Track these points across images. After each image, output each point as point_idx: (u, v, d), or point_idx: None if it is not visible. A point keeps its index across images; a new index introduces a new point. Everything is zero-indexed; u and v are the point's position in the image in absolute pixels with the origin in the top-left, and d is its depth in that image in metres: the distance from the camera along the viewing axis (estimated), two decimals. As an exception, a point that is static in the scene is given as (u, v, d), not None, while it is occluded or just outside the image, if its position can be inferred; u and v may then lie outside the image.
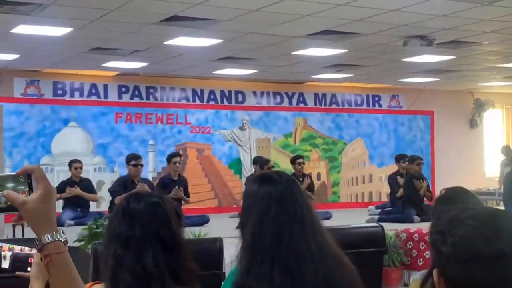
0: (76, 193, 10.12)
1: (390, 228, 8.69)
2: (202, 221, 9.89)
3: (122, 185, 9.05)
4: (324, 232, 2.51)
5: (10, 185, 1.54)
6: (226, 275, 3.58)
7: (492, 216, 1.64)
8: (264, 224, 2.45)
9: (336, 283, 2.44)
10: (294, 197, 2.50)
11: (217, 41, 9.50)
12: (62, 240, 1.53)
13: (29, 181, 1.54)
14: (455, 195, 2.85)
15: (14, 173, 1.55)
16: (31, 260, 2.43)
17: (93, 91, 12.73)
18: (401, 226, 8.93)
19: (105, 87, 12.81)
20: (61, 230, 1.54)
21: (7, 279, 2.41)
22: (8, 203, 1.52)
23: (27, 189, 1.53)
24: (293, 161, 11.28)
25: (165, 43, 9.61)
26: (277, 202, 2.47)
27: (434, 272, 1.67)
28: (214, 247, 3.32)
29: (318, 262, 2.43)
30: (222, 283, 2.55)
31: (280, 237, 2.44)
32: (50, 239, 1.51)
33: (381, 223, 4.24)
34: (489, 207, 1.69)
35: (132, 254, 2.22)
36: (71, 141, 12.43)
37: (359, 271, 2.65)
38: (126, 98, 12.94)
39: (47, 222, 1.52)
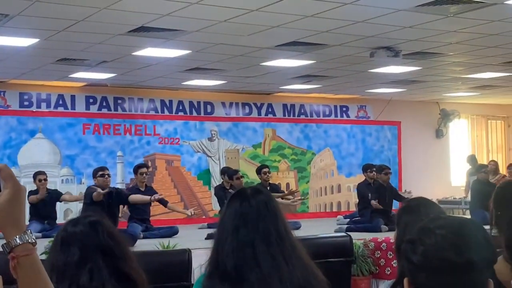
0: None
1: (358, 238, 8.72)
2: (171, 232, 9.82)
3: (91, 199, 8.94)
4: (293, 243, 2.55)
5: None
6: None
7: (461, 225, 1.66)
8: (228, 237, 2.51)
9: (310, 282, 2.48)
10: (260, 213, 2.57)
11: (186, 52, 9.48)
12: (31, 242, 1.49)
13: None
14: (419, 204, 2.89)
15: None
16: None
17: (60, 102, 12.61)
18: (369, 236, 8.96)
19: (73, 98, 12.71)
20: (29, 230, 1.50)
21: None
22: None
23: None
24: (258, 171, 11.35)
25: (133, 53, 9.56)
26: (242, 219, 2.55)
27: (405, 281, 1.68)
28: (182, 259, 3.31)
29: (285, 272, 2.46)
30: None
31: (242, 248, 2.49)
32: (19, 241, 1.47)
33: (349, 233, 4.25)
34: (458, 217, 1.71)
35: (67, 281, 2.26)
36: (38, 152, 12.28)
37: (328, 280, 2.67)
38: (93, 109, 12.85)
39: (16, 223, 1.49)
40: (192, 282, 3.37)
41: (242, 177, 9.87)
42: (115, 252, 2.34)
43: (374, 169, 11.32)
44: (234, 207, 2.60)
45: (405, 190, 12.52)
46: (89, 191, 9.04)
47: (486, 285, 1.63)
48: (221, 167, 12.96)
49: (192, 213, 10.42)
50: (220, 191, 11.33)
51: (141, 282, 2.36)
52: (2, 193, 1.48)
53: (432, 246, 1.62)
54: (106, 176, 9.12)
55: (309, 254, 2.72)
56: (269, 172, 11.35)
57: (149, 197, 9.36)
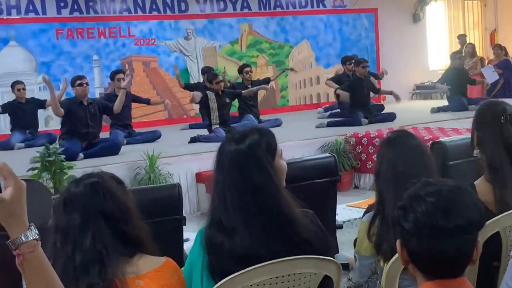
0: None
1: (340, 134, 8.90)
2: (154, 136, 9.90)
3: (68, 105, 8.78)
4: (279, 190, 2.57)
5: None
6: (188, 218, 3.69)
7: (451, 192, 1.73)
8: (230, 183, 2.54)
9: (302, 236, 2.55)
10: (250, 160, 2.55)
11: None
12: (35, 238, 1.52)
13: None
14: (396, 137, 2.94)
15: None
16: None
17: (31, 7, 12.26)
18: (350, 130, 9.13)
19: (43, 2, 12.34)
20: (32, 226, 1.53)
21: None
22: None
23: None
24: (240, 70, 11.28)
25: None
26: (234, 164, 2.55)
27: (398, 243, 1.76)
28: (173, 194, 3.37)
29: (279, 217, 2.52)
30: (194, 239, 2.64)
31: (235, 199, 2.52)
32: (23, 239, 1.50)
33: (333, 154, 4.35)
34: (448, 182, 1.73)
35: (71, 243, 2.26)
36: (13, 60, 12.06)
37: (315, 200, 2.76)
38: (65, 13, 12.51)
39: (20, 221, 1.50)
40: (184, 215, 3.47)
41: (221, 81, 9.80)
42: (117, 214, 2.32)
43: (353, 61, 11.35)
44: (229, 150, 2.58)
45: (382, 70, 12.46)
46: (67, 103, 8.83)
47: (476, 246, 1.72)
48: (200, 66, 12.93)
49: (167, 104, 11.12)
50: (201, 91, 11.38)
51: (145, 239, 2.37)
52: (6, 191, 1.48)
53: (423, 213, 1.69)
54: (84, 84, 8.76)
55: (296, 177, 2.80)
56: (251, 71, 11.27)
57: (124, 91, 9.26)
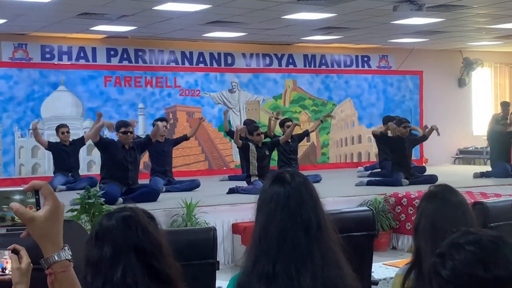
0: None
1: (379, 193, 8.80)
2: (193, 185, 9.92)
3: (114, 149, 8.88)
4: (329, 236, 2.50)
5: (17, 198, 1.51)
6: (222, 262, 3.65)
7: (491, 241, 1.68)
8: (270, 226, 2.46)
9: (336, 286, 2.48)
10: (302, 199, 2.48)
11: (206, 6, 9.41)
12: (67, 258, 1.53)
13: (37, 196, 1.51)
14: (438, 191, 2.89)
15: (21, 188, 1.53)
16: (6, 262, 2.38)
17: (82, 54, 12.61)
18: (390, 190, 9.03)
19: (94, 50, 12.70)
20: (66, 246, 1.54)
21: None
22: (15, 219, 1.50)
23: (35, 204, 1.51)
24: (282, 124, 11.30)
25: (153, 8, 9.51)
26: (283, 205, 2.46)
27: None
28: (208, 237, 3.35)
29: (318, 266, 2.46)
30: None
31: (283, 241, 2.45)
32: (57, 258, 1.52)
33: (371, 208, 4.30)
34: (488, 232, 1.69)
35: (101, 277, 2.24)
36: (61, 105, 12.34)
37: (351, 254, 2.69)
38: (115, 61, 12.84)
39: (54, 240, 1.52)
40: (218, 260, 3.43)
41: (262, 133, 9.86)
42: (149, 249, 2.30)
43: (395, 121, 11.28)
44: (275, 191, 2.49)
45: (425, 126, 12.26)
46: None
47: None
48: (242, 119, 13.00)
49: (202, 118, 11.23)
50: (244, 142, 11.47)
51: (176, 278, 2.34)
52: (43, 209, 1.50)
53: (461, 261, 1.64)
54: (129, 133, 8.77)
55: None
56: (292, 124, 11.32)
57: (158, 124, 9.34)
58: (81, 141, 10.78)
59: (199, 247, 3.34)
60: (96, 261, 2.27)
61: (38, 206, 1.51)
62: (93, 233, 2.36)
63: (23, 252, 2.28)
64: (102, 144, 8.75)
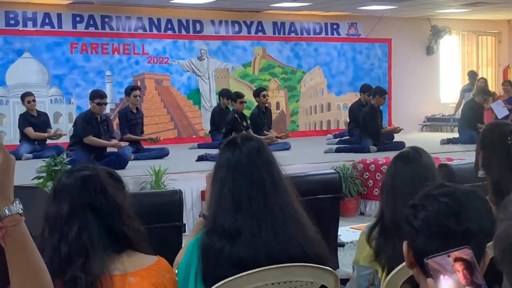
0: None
1: (347, 159, 8.88)
2: (162, 153, 9.91)
3: (88, 123, 8.96)
4: (288, 193, 2.59)
5: None
6: (187, 224, 3.67)
7: (465, 194, 1.69)
8: (224, 187, 2.56)
9: (298, 241, 2.53)
10: (253, 160, 2.58)
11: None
12: (19, 212, 1.49)
13: None
14: (407, 153, 2.94)
15: None
16: None
17: (47, 20, 12.39)
18: (358, 157, 9.11)
19: (59, 16, 12.49)
20: (17, 201, 1.51)
21: None
22: None
23: None
24: (257, 94, 11.23)
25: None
26: (234, 167, 2.57)
27: (404, 244, 1.71)
28: (174, 200, 3.35)
29: (280, 221, 2.52)
30: (187, 245, 2.60)
31: (239, 199, 2.53)
32: (7, 212, 1.48)
33: (337, 171, 4.34)
34: (462, 186, 1.70)
35: (57, 233, 2.25)
36: (26, 72, 12.17)
37: (317, 216, 2.73)
38: (81, 27, 12.64)
39: (5, 194, 1.48)
40: (184, 222, 3.45)
41: (245, 102, 9.96)
42: (106, 209, 2.31)
43: (372, 91, 11.21)
44: (226, 157, 2.61)
45: (398, 127, 12.16)
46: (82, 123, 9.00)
47: (483, 255, 1.64)
48: (212, 87, 12.98)
49: (158, 138, 10.76)
50: (217, 113, 11.46)
51: (137, 240, 2.36)
52: None
53: (434, 212, 1.65)
54: (104, 105, 9.06)
55: (299, 191, 2.78)
56: (267, 95, 11.27)
57: (108, 142, 9.16)
58: (48, 125, 10.77)
59: (165, 210, 3.35)
60: (54, 217, 2.28)
61: None
62: (52, 189, 2.37)
63: None
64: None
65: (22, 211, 1.51)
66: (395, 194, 2.79)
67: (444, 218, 1.64)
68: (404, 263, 2.31)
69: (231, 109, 10.86)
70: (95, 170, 2.39)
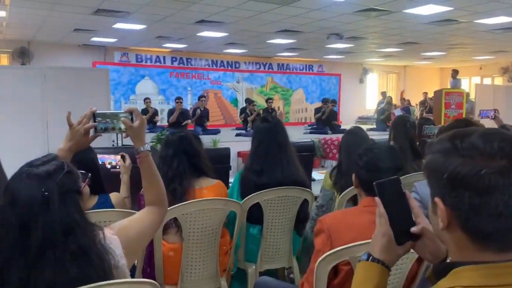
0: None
1: (317, 138, 8.79)
2: (216, 132, 9.85)
3: (171, 113, 9.04)
4: (291, 150, 2.54)
5: (122, 116, 1.43)
6: (233, 168, 3.65)
7: (388, 147, 1.69)
8: (261, 145, 2.50)
9: (295, 179, 2.52)
10: (277, 130, 2.52)
11: (225, 34, 9.23)
12: (148, 150, 1.47)
13: (131, 116, 1.44)
14: (353, 129, 2.87)
15: (123, 111, 1.45)
16: (118, 161, 2.38)
17: (158, 59, 12.37)
18: (321, 136, 9.02)
19: (164, 57, 12.45)
20: (147, 144, 1.47)
21: (110, 173, 2.37)
22: (121, 128, 1.42)
23: (131, 119, 1.43)
24: (266, 101, 11.15)
25: (197, 34, 9.32)
26: (268, 133, 2.51)
27: (353, 176, 1.67)
28: (225, 152, 3.35)
29: (286, 167, 2.49)
30: (234, 176, 2.57)
31: (267, 153, 2.49)
32: (142, 149, 1.45)
33: (311, 137, 4.30)
34: (386, 142, 1.67)
35: (166, 165, 2.23)
36: (146, 87, 12.17)
37: (302, 163, 2.70)
38: (175, 64, 12.60)
39: (141, 139, 1.45)
40: (230, 164, 3.43)
41: (255, 105, 9.86)
42: (192, 153, 2.28)
43: (329, 101, 11.07)
44: (262, 126, 2.51)
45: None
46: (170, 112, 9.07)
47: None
48: (244, 98, 12.92)
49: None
50: (243, 111, 11.37)
51: (208, 171, 2.31)
52: (135, 122, 1.44)
53: (371, 157, 1.64)
54: (180, 102, 9.18)
55: (295, 150, 2.73)
56: (272, 102, 11.15)
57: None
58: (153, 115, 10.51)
59: (222, 157, 3.35)
60: (164, 156, 2.27)
61: (132, 120, 1.43)
62: (163, 143, 2.35)
63: (127, 157, 2.28)
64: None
65: (149, 150, 1.48)
66: (347, 151, 2.76)
67: (377, 160, 1.64)
68: (348, 189, 2.30)
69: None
70: (186, 132, 2.37)
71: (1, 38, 9.92)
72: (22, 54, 10.34)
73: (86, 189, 1.66)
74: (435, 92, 9.39)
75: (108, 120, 1.42)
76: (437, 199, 0.83)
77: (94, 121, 1.43)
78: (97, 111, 1.44)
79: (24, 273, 1.01)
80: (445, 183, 0.80)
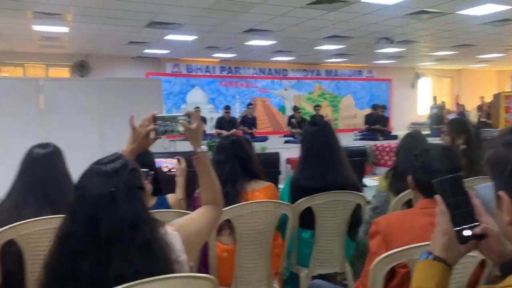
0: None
1: (368, 144, 8.59)
2: (264, 139, 9.88)
3: (219, 122, 9.22)
4: (342, 153, 2.50)
5: (181, 118, 1.47)
6: (282, 173, 3.65)
7: (444, 149, 1.65)
8: (311, 148, 2.47)
9: (347, 183, 2.48)
10: (327, 133, 2.48)
11: (274, 42, 9.31)
12: (204, 151, 1.51)
13: (189, 119, 1.48)
14: (410, 134, 2.79)
15: (181, 113, 1.49)
16: (174, 165, 2.44)
17: (207, 69, 12.69)
18: (372, 142, 8.80)
19: (213, 67, 12.74)
20: (203, 145, 1.51)
21: (166, 176, 2.43)
22: (179, 131, 1.46)
23: (189, 122, 1.47)
24: (314, 107, 11.10)
25: (245, 43, 9.47)
26: (317, 136, 2.47)
27: (409, 177, 1.64)
28: (275, 156, 3.38)
29: (337, 171, 2.46)
30: (285, 181, 2.58)
31: (318, 157, 2.46)
32: (199, 150, 1.49)
33: (363, 142, 4.22)
34: (441, 144, 1.64)
35: (219, 169, 2.23)
36: (196, 96, 12.49)
37: (354, 168, 2.65)
38: (224, 73, 12.87)
39: (198, 141, 1.49)
40: (280, 169, 3.43)
41: (300, 112, 9.88)
42: (244, 157, 2.30)
43: (379, 107, 10.85)
44: (312, 130, 2.49)
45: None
46: (216, 122, 9.33)
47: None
48: (292, 105, 12.90)
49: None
50: (290, 118, 11.36)
51: (260, 174, 2.32)
52: (193, 124, 1.48)
53: (428, 158, 1.61)
54: (228, 112, 9.43)
55: (346, 155, 2.68)
56: (319, 109, 11.05)
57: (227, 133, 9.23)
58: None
59: (271, 161, 3.37)
60: (217, 161, 2.30)
61: (190, 123, 1.47)
62: (215, 148, 2.39)
63: (183, 160, 2.36)
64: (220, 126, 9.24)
65: (205, 151, 1.52)
66: (404, 154, 2.64)
67: (433, 162, 1.60)
68: (404, 192, 2.24)
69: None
70: (238, 137, 2.38)
71: (63, 52, 10.59)
72: (82, 67, 11.00)
73: (148, 186, 1.71)
74: (494, 96, 8.88)
75: (167, 123, 1.46)
76: (501, 193, 0.80)
77: (155, 124, 1.48)
78: (157, 115, 1.48)
79: (94, 265, 1.04)
80: (509, 175, 0.77)
